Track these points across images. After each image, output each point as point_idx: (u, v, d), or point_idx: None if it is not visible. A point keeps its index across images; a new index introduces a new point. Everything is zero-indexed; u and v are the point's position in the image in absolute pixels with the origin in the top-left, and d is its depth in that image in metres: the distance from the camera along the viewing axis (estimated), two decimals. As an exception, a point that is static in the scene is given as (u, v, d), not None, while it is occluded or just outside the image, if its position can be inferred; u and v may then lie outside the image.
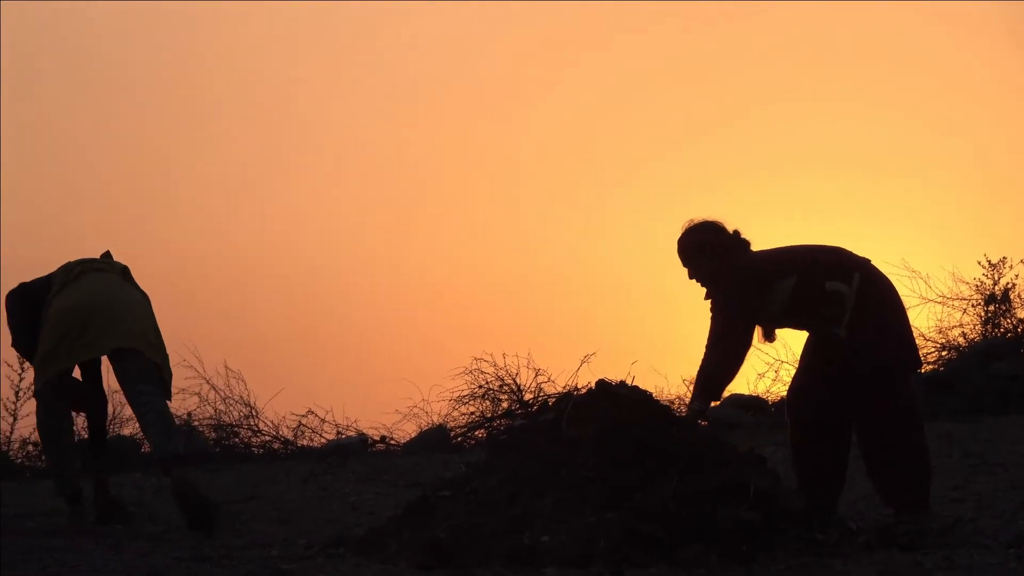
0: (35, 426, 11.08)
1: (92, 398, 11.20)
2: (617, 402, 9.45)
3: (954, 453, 12.81)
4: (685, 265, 9.62)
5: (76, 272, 10.93)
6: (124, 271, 11.12)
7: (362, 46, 36.88)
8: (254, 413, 18.41)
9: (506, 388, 17.56)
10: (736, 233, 9.58)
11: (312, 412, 18.33)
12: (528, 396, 17.26)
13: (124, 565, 9.03)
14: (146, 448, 17.93)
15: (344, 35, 36.69)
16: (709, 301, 9.47)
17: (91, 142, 34.35)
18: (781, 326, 9.54)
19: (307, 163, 34.04)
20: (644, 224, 30.67)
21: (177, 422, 17.94)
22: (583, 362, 17.30)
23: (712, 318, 9.45)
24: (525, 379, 17.57)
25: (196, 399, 18.50)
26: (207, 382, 18.54)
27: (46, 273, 11.08)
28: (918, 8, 34.48)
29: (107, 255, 11.18)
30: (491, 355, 17.85)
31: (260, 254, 30.17)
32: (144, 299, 11.09)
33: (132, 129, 34.89)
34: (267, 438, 18.23)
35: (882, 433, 9.15)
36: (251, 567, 8.81)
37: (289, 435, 18.25)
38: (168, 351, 11.06)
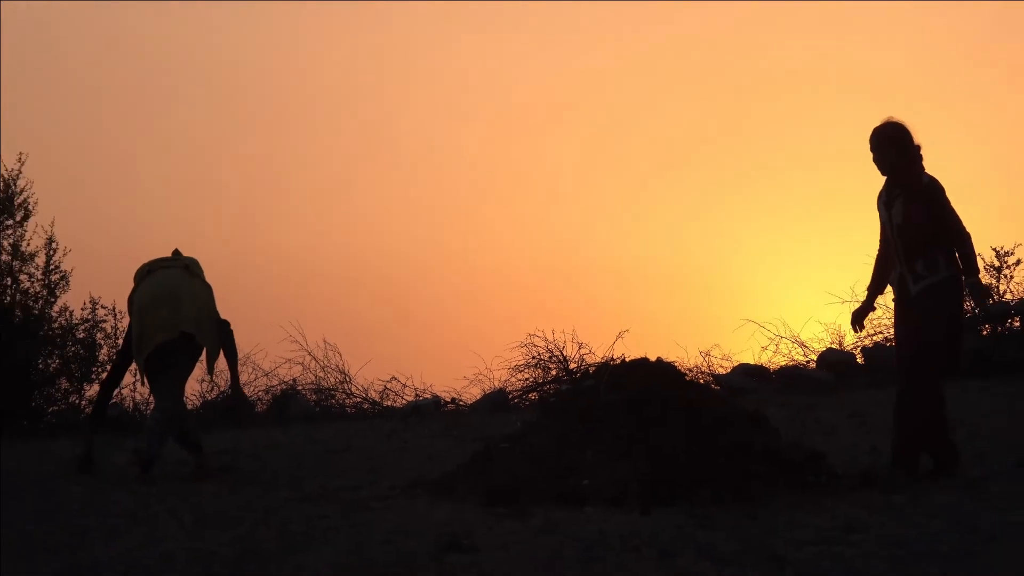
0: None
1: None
2: (646, 371, 9.50)
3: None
4: (873, 150, 9.16)
5: (146, 271, 11.13)
6: (188, 266, 11.19)
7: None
8: (348, 379, 18.45)
9: (554, 359, 17.54)
10: (918, 147, 9.14)
11: (395, 379, 18.37)
12: (573, 365, 17.24)
13: (240, 504, 9.13)
14: (261, 407, 18.06)
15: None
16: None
17: (208, 149, 34.34)
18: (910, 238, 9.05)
19: (392, 171, 34.05)
20: (675, 221, 30.52)
21: (282, 387, 18.14)
22: (618, 337, 17.31)
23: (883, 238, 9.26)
24: (570, 351, 17.55)
25: (300, 368, 18.54)
26: (309, 354, 18.57)
27: None
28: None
29: (176, 252, 11.28)
30: (542, 331, 17.84)
31: (354, 248, 30.25)
32: (204, 289, 11.15)
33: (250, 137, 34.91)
34: (358, 400, 18.25)
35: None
36: (345, 505, 8.91)
37: (376, 397, 18.29)
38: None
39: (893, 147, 9.08)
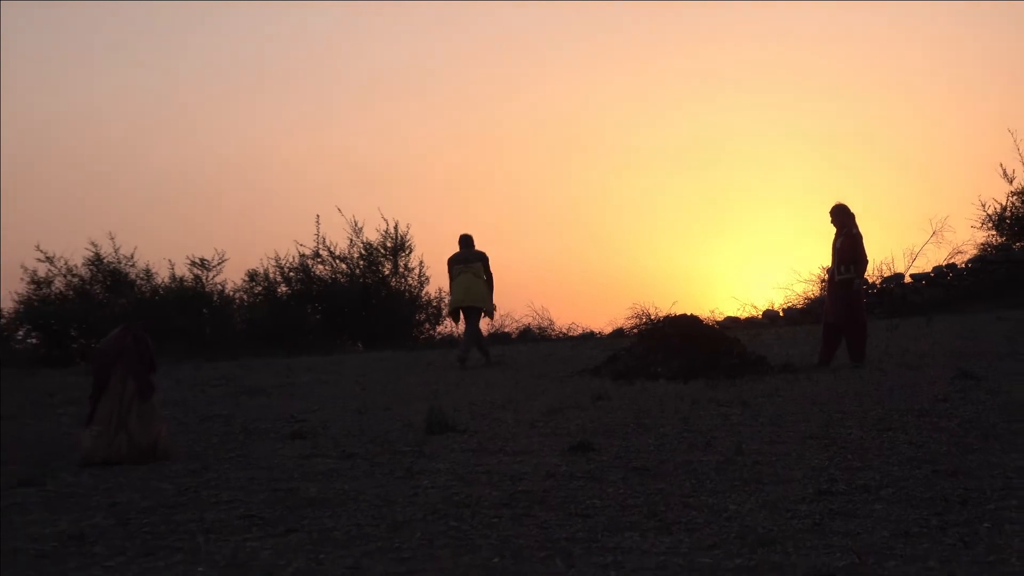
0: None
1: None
2: (685, 319, 9.47)
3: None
4: (833, 215, 8.95)
5: (458, 261, 10.76)
6: (483, 261, 10.72)
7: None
8: (552, 323, 18.55)
9: (644, 314, 17.45)
10: (853, 215, 8.94)
11: (574, 323, 18.48)
12: (652, 316, 17.13)
13: (508, 379, 9.34)
14: (513, 336, 18.20)
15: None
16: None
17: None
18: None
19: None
20: (701, 240, 26.93)
21: (522, 326, 18.18)
22: (672, 304, 17.19)
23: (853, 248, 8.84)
24: (652, 310, 17.49)
25: (531, 317, 18.72)
26: (535, 311, 18.76)
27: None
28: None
29: (469, 240, 10.77)
30: (640, 300, 17.85)
31: (556, 255, 27.37)
32: (489, 280, 10.86)
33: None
34: (557, 332, 18.33)
35: (848, 324, 8.81)
36: (553, 380, 9.08)
37: (565, 331, 18.36)
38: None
39: (838, 217, 8.98)
